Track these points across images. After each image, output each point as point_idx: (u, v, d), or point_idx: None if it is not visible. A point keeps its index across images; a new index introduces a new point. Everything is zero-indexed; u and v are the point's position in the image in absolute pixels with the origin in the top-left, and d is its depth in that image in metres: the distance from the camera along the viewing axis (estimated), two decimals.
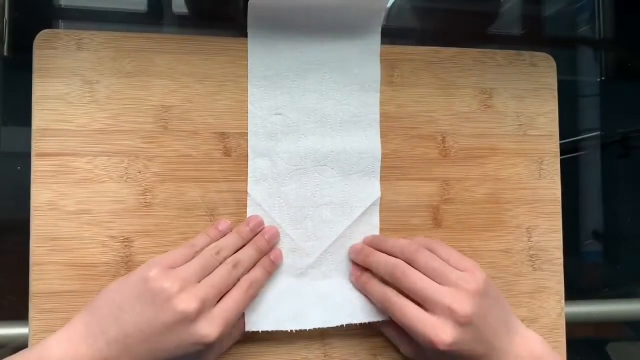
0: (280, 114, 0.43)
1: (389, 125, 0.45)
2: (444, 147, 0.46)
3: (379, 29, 0.44)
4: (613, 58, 0.70)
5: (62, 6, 0.57)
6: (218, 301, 0.36)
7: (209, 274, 0.37)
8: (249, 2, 0.41)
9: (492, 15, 0.67)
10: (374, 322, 0.42)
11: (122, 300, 0.35)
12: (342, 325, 0.41)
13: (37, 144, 0.40)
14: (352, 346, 0.43)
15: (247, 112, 0.43)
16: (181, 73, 0.42)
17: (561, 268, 0.47)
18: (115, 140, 0.41)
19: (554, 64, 0.48)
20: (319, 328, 0.41)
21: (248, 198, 0.42)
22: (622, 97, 0.69)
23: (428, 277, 0.37)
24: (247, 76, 0.43)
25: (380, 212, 0.44)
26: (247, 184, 0.42)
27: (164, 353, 0.34)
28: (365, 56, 0.44)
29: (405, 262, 0.39)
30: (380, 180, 0.44)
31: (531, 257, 0.47)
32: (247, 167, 0.42)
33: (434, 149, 0.46)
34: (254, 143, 0.43)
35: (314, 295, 0.42)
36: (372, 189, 0.44)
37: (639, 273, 0.66)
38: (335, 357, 0.43)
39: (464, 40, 0.49)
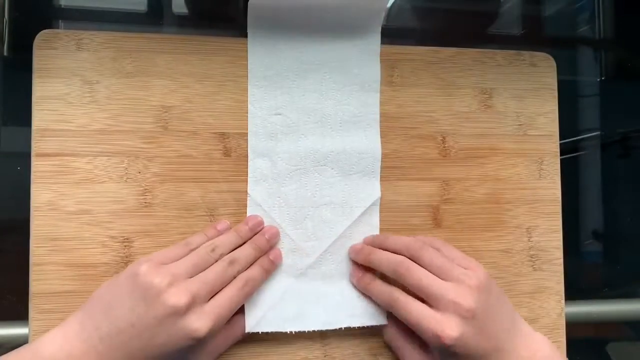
0: (280, 114, 0.43)
1: (389, 125, 0.45)
2: (444, 147, 0.46)
3: (379, 29, 0.44)
4: (613, 58, 0.70)
5: (62, 6, 0.57)
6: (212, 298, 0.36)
7: (203, 271, 0.37)
8: (249, 2, 0.41)
9: (492, 15, 0.67)
10: (375, 327, 0.42)
11: (114, 297, 0.35)
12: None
13: (37, 144, 0.40)
14: (352, 346, 0.43)
15: (247, 112, 0.43)
16: (181, 73, 0.42)
17: (561, 268, 0.47)
18: (115, 141, 0.41)
19: (554, 64, 0.48)
20: (318, 330, 0.41)
21: (248, 198, 0.42)
22: (622, 97, 0.69)
23: (432, 274, 0.38)
24: (247, 76, 0.43)
25: (380, 212, 0.44)
26: (247, 184, 0.42)
27: (156, 348, 0.34)
28: (365, 56, 0.44)
29: (409, 259, 0.39)
30: (380, 180, 0.44)
31: (531, 257, 0.47)
32: (247, 168, 0.42)
33: (434, 149, 0.46)
34: (254, 143, 0.43)
35: (314, 296, 0.42)
36: (372, 189, 0.44)
37: (639, 273, 0.66)
38: (335, 357, 0.43)
39: (464, 40, 0.49)
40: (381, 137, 0.45)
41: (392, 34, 0.57)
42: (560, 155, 0.48)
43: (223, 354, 0.40)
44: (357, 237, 0.43)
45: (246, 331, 0.40)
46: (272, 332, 0.41)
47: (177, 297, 0.34)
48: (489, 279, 0.38)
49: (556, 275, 0.47)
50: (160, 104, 0.42)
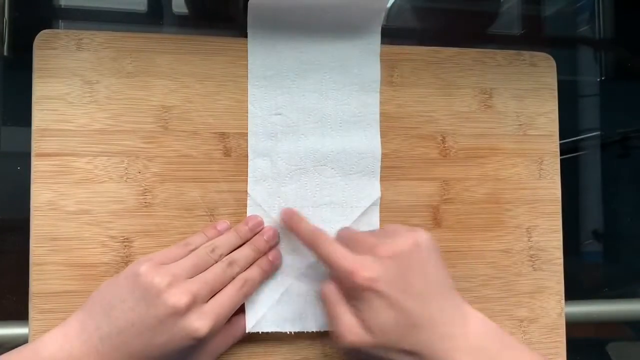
0: (280, 114, 0.43)
1: (389, 125, 0.45)
2: (444, 147, 0.46)
3: (379, 29, 0.44)
4: (613, 58, 0.70)
5: (62, 6, 0.57)
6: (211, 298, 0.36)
7: (203, 272, 0.37)
8: (249, 2, 0.41)
9: (492, 15, 0.67)
10: None
11: (114, 297, 0.35)
12: None
13: (37, 144, 0.40)
14: None
15: (247, 112, 0.43)
16: (181, 73, 0.42)
17: (561, 268, 0.47)
18: (115, 141, 0.41)
19: (554, 64, 0.48)
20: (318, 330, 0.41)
21: (248, 198, 0.42)
22: (622, 97, 0.69)
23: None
24: (247, 76, 0.43)
25: (380, 212, 0.44)
26: (247, 184, 0.42)
27: (157, 348, 0.34)
28: (365, 56, 0.44)
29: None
30: (380, 180, 0.44)
31: (531, 257, 0.47)
32: (247, 167, 0.42)
33: (434, 149, 0.46)
34: (254, 143, 0.43)
35: (314, 296, 0.42)
36: (372, 189, 0.44)
37: (639, 273, 0.66)
38: (336, 357, 0.43)
39: (464, 40, 0.49)
40: (381, 137, 0.45)
41: (392, 34, 0.57)
42: (560, 155, 0.48)
43: (223, 354, 0.40)
44: None
45: (246, 331, 0.40)
46: (272, 332, 0.41)
47: (177, 297, 0.34)
48: (428, 243, 0.36)
49: (556, 275, 0.47)
50: (161, 104, 0.42)
